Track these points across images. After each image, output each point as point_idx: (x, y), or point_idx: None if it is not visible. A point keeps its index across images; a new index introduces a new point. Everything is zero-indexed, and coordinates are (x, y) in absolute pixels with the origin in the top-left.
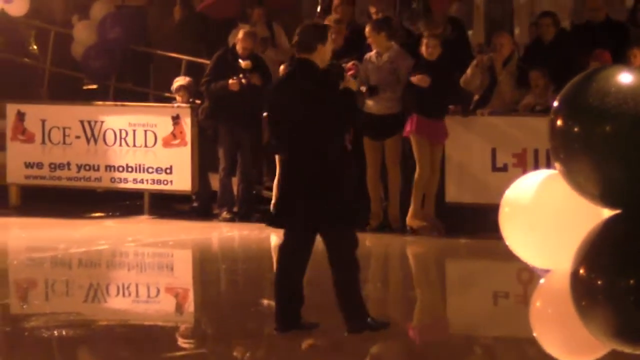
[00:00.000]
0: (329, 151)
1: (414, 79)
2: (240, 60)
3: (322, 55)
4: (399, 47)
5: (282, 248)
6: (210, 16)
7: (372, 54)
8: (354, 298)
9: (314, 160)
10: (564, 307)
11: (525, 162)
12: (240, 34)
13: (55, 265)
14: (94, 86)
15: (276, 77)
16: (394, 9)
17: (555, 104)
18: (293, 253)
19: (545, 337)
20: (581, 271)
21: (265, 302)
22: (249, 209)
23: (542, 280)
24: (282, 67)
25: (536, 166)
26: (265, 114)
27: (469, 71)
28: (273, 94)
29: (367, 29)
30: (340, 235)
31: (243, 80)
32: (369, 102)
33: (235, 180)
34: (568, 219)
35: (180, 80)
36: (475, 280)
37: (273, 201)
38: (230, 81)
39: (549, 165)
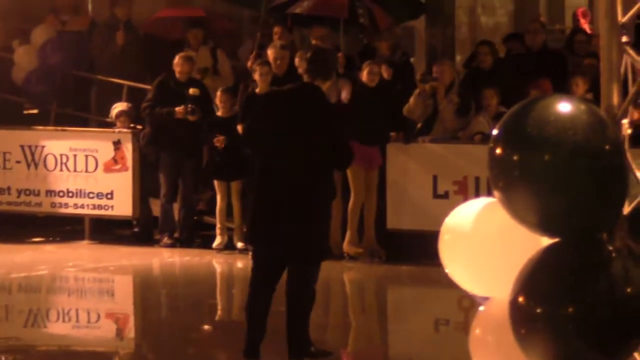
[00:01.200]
0: (318, 183)
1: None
2: (190, 90)
3: (328, 84)
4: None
5: (255, 273)
6: (155, 35)
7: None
8: (303, 329)
9: (300, 190)
10: (503, 334)
11: (467, 189)
12: (177, 59)
13: None
14: (35, 111)
15: (274, 92)
16: (338, 29)
17: (495, 132)
18: (265, 275)
19: None
20: (520, 299)
21: (206, 327)
22: (190, 235)
23: (481, 308)
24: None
25: (477, 194)
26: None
27: (411, 100)
28: (267, 108)
29: (298, 57)
30: (308, 270)
31: (189, 109)
32: None
33: (176, 206)
34: (507, 246)
35: (119, 106)
36: (415, 307)
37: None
38: (177, 109)
39: (490, 193)
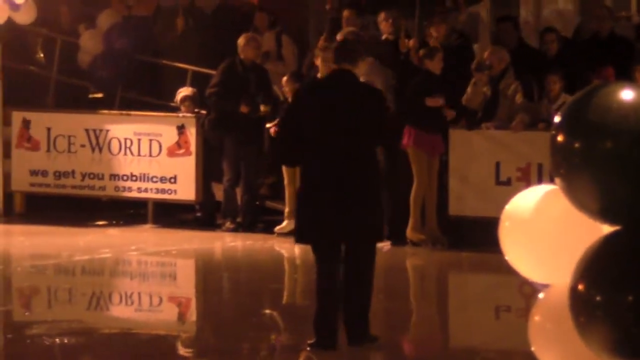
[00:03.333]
0: (366, 164)
1: (430, 101)
2: (261, 106)
3: (360, 70)
4: (374, 60)
5: (318, 269)
6: (220, 19)
7: None
8: (364, 313)
9: (350, 172)
10: (563, 322)
11: (529, 176)
12: (242, 41)
13: (58, 273)
14: (100, 95)
15: (307, 83)
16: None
17: (557, 119)
18: (325, 261)
19: (544, 352)
20: (580, 287)
21: (267, 312)
22: (253, 220)
23: (541, 295)
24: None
25: (540, 181)
26: (276, 122)
27: (469, 89)
28: (305, 99)
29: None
30: (366, 250)
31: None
32: None
33: (239, 191)
34: (568, 234)
35: (184, 91)
36: (477, 294)
37: (294, 216)
38: (243, 108)
39: (552, 180)
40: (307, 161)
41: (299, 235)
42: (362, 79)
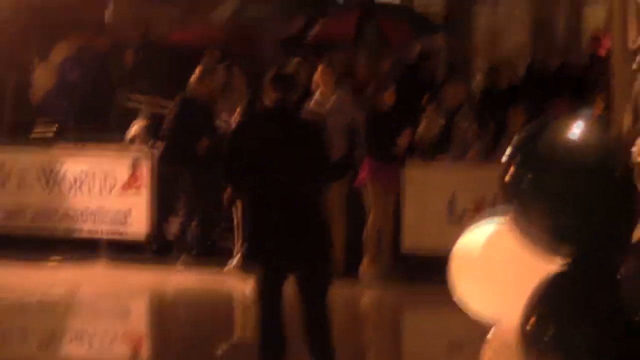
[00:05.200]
0: (312, 193)
1: (401, 141)
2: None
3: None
4: (344, 92)
5: (263, 291)
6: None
7: (316, 96)
8: (328, 340)
9: (297, 201)
10: (513, 358)
11: (484, 208)
12: (196, 75)
13: (11, 312)
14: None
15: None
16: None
17: (508, 151)
18: (274, 294)
19: None
20: (530, 322)
21: (223, 346)
22: (207, 255)
23: (490, 332)
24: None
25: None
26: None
27: (423, 123)
28: (244, 132)
29: (321, 69)
30: (321, 282)
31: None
32: None
33: (193, 224)
34: (518, 270)
35: (136, 127)
36: (430, 329)
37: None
38: (204, 142)
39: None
40: (252, 192)
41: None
42: (335, 108)
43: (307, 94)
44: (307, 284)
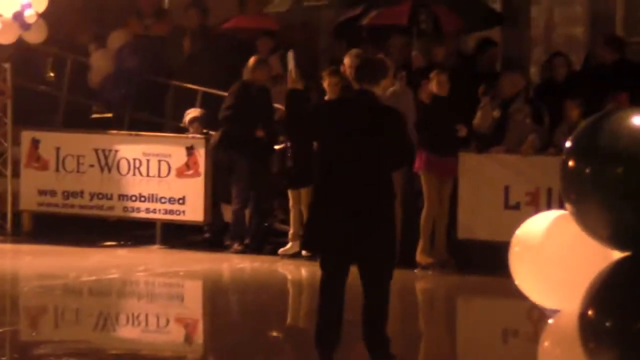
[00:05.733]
0: (383, 185)
1: (461, 131)
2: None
3: (381, 91)
4: (402, 84)
5: (322, 282)
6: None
7: None
8: (383, 330)
9: (366, 193)
10: (572, 347)
11: (538, 201)
12: (251, 63)
13: (66, 293)
14: (106, 115)
15: (326, 103)
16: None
17: (568, 144)
18: (332, 281)
19: None
20: (590, 312)
21: (274, 334)
22: (261, 242)
23: (550, 321)
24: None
25: (549, 205)
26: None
27: (478, 114)
28: (323, 117)
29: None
30: (383, 272)
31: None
32: None
33: (247, 213)
34: (577, 259)
35: (192, 112)
36: (485, 317)
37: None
38: (259, 132)
39: (562, 205)
40: (322, 180)
41: (306, 242)
42: (391, 101)
43: None
44: (372, 275)
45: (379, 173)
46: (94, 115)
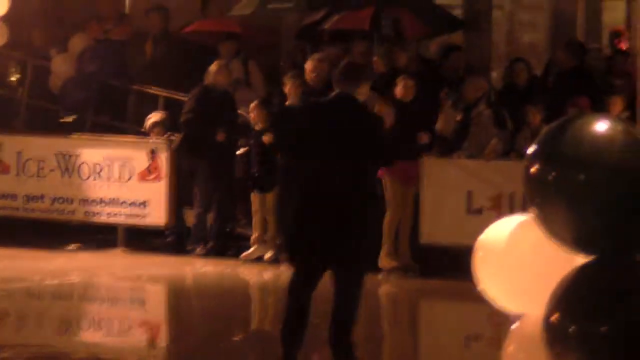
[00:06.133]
0: (359, 187)
1: (422, 138)
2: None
3: (362, 94)
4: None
5: (294, 285)
6: (189, 44)
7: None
8: (350, 337)
9: (341, 196)
10: (537, 352)
11: (501, 205)
12: (213, 68)
13: (28, 297)
14: (70, 119)
15: (308, 104)
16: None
17: (531, 149)
18: (304, 289)
19: None
20: (554, 317)
21: (237, 337)
22: (224, 245)
23: (515, 325)
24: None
25: (512, 210)
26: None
27: (440, 118)
28: (299, 122)
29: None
30: (358, 278)
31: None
32: None
33: (210, 217)
34: (541, 264)
35: (154, 117)
36: (448, 322)
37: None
38: (219, 135)
39: (524, 210)
40: (303, 184)
41: (288, 248)
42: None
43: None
44: (347, 279)
45: (360, 176)
46: (62, 120)
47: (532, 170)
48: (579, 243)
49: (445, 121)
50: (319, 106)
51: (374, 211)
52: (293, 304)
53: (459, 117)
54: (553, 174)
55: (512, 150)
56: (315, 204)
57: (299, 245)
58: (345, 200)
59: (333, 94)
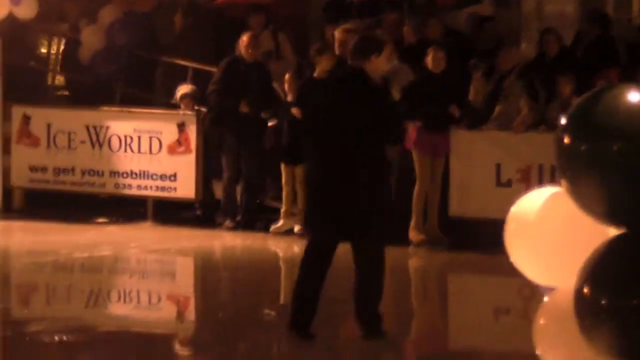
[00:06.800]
0: (373, 158)
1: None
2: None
3: (375, 67)
4: (399, 61)
5: (310, 252)
6: (218, 17)
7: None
8: (377, 307)
9: (354, 167)
10: (568, 325)
11: (530, 178)
12: (244, 39)
13: (58, 270)
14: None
15: (316, 81)
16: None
17: (562, 121)
18: (320, 258)
19: (549, 354)
20: (585, 290)
21: (266, 310)
22: (252, 218)
23: (546, 298)
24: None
25: (540, 182)
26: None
27: (471, 90)
28: (316, 96)
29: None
30: (375, 247)
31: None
32: None
33: (239, 189)
34: (573, 237)
35: (184, 89)
36: (476, 294)
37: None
38: (242, 107)
39: (553, 181)
40: (316, 157)
41: (307, 221)
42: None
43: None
44: (365, 250)
45: (370, 149)
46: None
47: (564, 142)
48: (610, 216)
49: (476, 92)
50: (329, 81)
51: (386, 183)
52: (305, 275)
53: (490, 88)
54: (585, 145)
55: (542, 122)
56: (329, 176)
57: (314, 216)
58: (355, 172)
59: (343, 68)
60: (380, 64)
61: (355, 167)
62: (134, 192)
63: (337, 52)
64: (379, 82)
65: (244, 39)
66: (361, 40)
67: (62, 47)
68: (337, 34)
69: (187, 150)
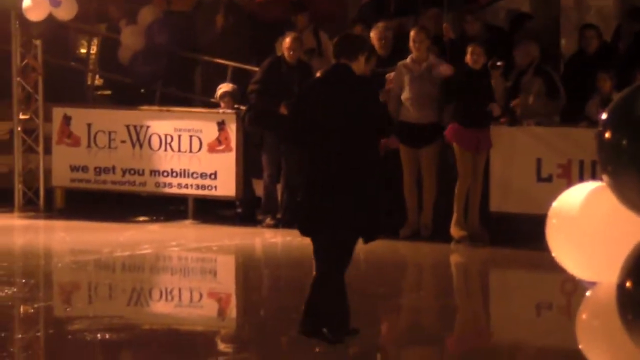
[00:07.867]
0: (356, 159)
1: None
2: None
3: (360, 65)
4: (437, 58)
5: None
6: (258, 17)
7: (407, 61)
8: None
9: (341, 167)
10: (611, 320)
11: (570, 173)
12: (288, 40)
13: (99, 269)
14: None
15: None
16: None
17: (604, 116)
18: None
19: (591, 349)
20: (628, 284)
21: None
22: (294, 215)
23: (588, 293)
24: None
25: (581, 178)
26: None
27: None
28: (305, 95)
29: (414, 33)
30: (340, 244)
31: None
32: (408, 111)
33: (279, 187)
34: (615, 231)
35: (224, 87)
36: (518, 290)
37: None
38: (282, 109)
39: (594, 176)
40: (310, 154)
41: (301, 226)
42: (425, 74)
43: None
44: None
45: (357, 146)
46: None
47: (605, 137)
48: None
49: (496, 89)
50: (317, 80)
51: (374, 181)
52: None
53: (508, 84)
54: (626, 140)
55: (582, 118)
56: (317, 175)
57: (302, 217)
58: (340, 170)
59: (330, 66)
60: (364, 63)
61: (341, 163)
62: (174, 190)
63: (378, 50)
64: (366, 78)
65: (287, 40)
66: (346, 38)
67: (101, 48)
68: (375, 31)
69: (227, 149)
